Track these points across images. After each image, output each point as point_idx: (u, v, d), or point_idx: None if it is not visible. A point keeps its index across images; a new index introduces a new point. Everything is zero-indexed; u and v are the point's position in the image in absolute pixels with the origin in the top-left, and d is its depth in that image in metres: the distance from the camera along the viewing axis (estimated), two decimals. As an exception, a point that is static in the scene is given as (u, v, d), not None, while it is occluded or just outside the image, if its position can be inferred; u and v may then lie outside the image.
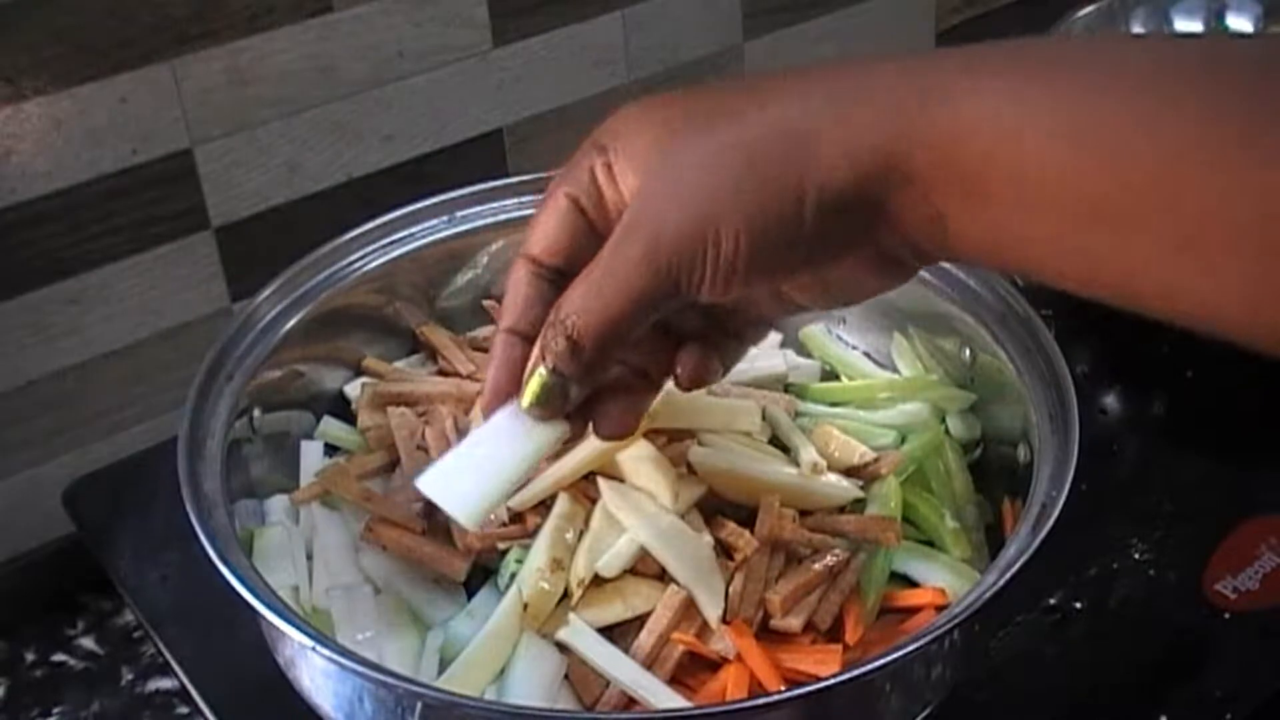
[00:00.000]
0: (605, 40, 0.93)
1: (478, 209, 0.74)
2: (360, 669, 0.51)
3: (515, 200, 0.74)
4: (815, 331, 0.77)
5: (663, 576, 0.60)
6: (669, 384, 0.56)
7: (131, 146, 0.75)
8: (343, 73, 0.82)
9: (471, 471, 0.52)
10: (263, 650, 0.59)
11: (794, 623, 0.59)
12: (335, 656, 0.51)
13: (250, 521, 0.66)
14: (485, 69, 0.88)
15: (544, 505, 0.62)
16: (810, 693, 0.51)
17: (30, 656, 0.75)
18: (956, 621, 0.52)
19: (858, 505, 0.65)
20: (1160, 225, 0.39)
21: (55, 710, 0.72)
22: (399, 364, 0.75)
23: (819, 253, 0.46)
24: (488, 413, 0.52)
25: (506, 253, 0.76)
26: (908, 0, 1.10)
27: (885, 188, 0.43)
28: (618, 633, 0.59)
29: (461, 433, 0.66)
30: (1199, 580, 0.69)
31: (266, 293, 0.68)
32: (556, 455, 0.64)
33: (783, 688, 0.56)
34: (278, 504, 0.67)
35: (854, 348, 0.76)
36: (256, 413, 0.66)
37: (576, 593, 0.60)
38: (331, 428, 0.71)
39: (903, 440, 0.70)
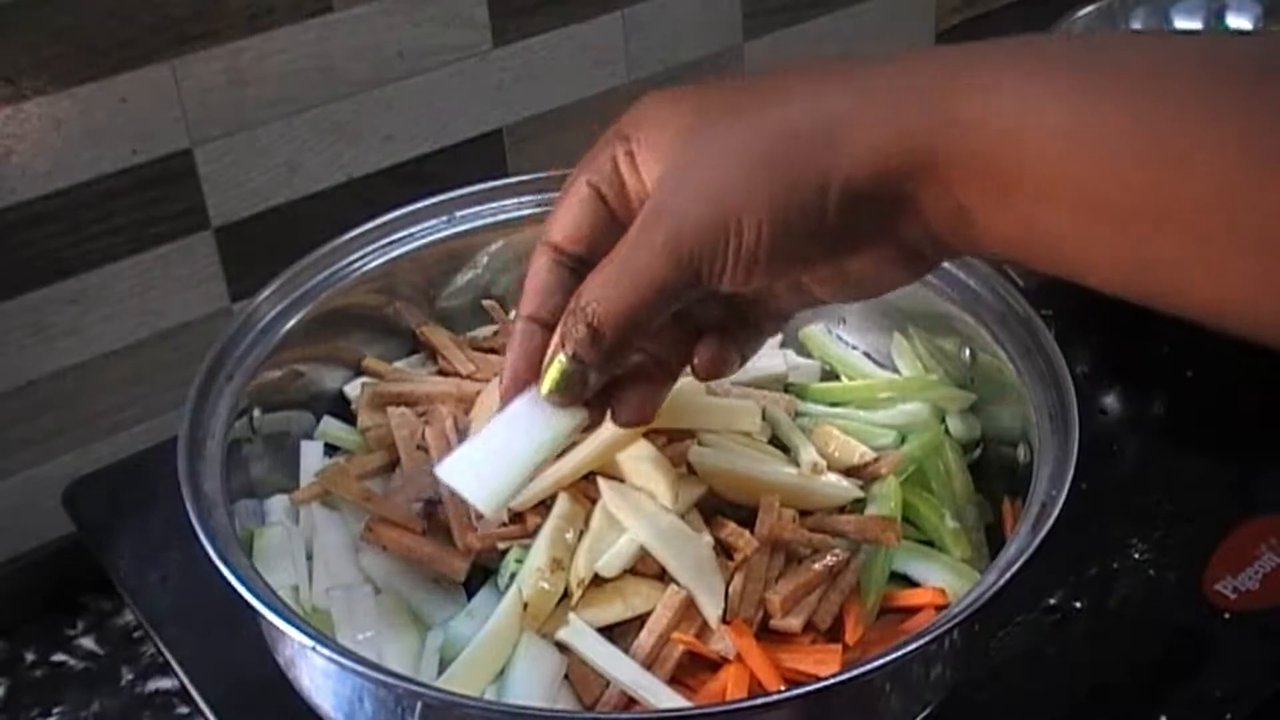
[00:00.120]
0: (605, 40, 0.93)
1: (478, 209, 0.74)
2: (360, 669, 0.51)
3: (515, 200, 0.74)
4: (815, 331, 0.77)
5: (663, 576, 0.60)
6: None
7: (131, 146, 0.75)
8: (343, 73, 0.82)
9: (491, 459, 0.52)
10: (263, 650, 0.59)
11: (794, 623, 0.59)
12: (335, 656, 0.51)
13: (250, 521, 0.66)
14: (485, 69, 0.88)
15: (544, 505, 0.62)
16: (810, 693, 0.51)
17: (30, 656, 0.75)
18: (956, 621, 0.52)
19: (858, 505, 0.65)
20: (1165, 225, 0.39)
21: (55, 710, 0.72)
22: (399, 364, 0.75)
23: (841, 245, 0.46)
24: (506, 400, 0.52)
25: (506, 253, 0.76)
26: (908, 0, 1.10)
27: (909, 180, 0.44)
28: (618, 633, 0.59)
29: (461, 433, 0.66)
30: (1199, 580, 0.69)
31: (266, 293, 0.68)
32: (557, 455, 0.64)
33: (783, 688, 0.56)
34: (278, 504, 0.67)
35: (854, 348, 0.76)
36: (256, 413, 0.66)
37: (576, 593, 0.60)
38: (331, 428, 0.71)
39: (903, 440, 0.70)
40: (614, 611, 0.60)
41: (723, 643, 0.58)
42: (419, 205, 0.73)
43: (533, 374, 0.51)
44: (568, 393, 0.50)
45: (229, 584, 0.53)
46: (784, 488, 0.63)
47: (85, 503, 0.74)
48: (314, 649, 0.51)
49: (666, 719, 0.57)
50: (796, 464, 0.66)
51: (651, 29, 0.94)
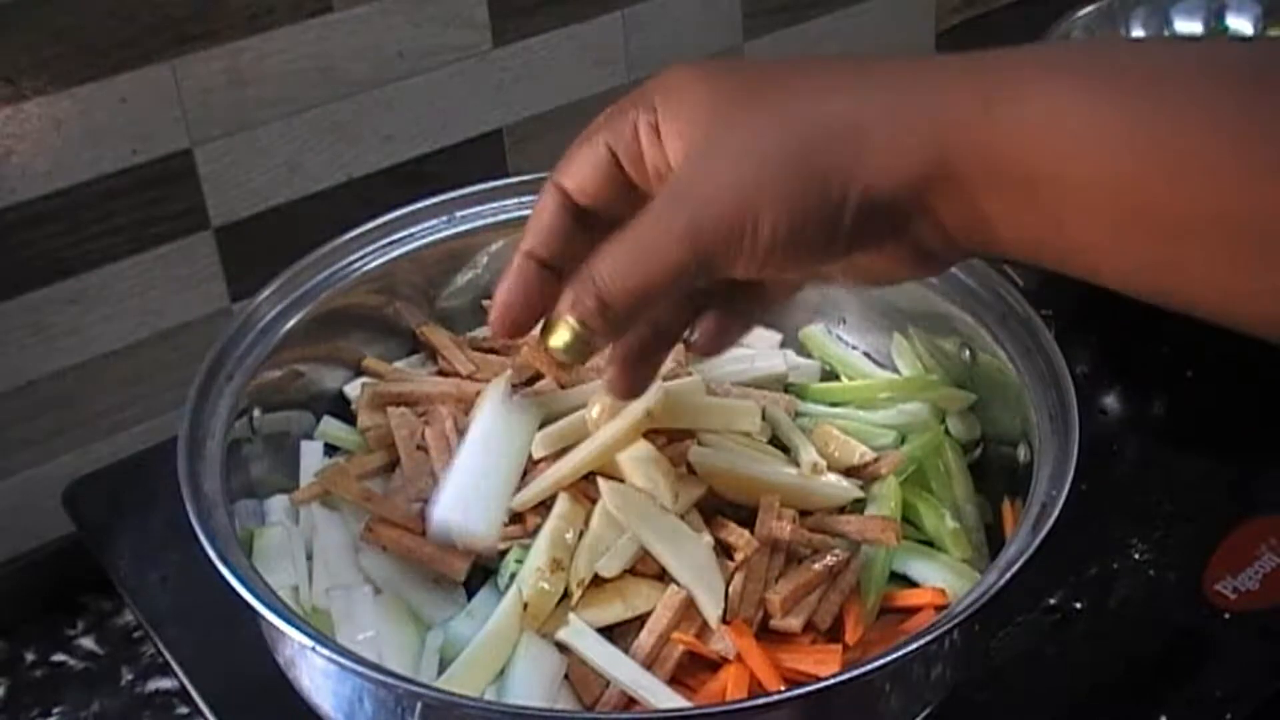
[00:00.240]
0: (605, 40, 0.93)
1: (478, 209, 0.74)
2: (360, 669, 0.51)
3: (515, 200, 0.74)
4: (815, 331, 0.77)
5: (663, 576, 0.60)
6: (668, 384, 0.56)
7: (131, 146, 0.75)
8: (343, 73, 0.82)
9: (473, 490, 0.56)
10: (263, 650, 0.59)
11: (794, 623, 0.59)
12: (335, 656, 0.51)
13: (250, 521, 0.65)
14: (485, 69, 0.88)
15: (544, 506, 0.62)
16: (810, 693, 0.51)
17: (30, 656, 0.75)
18: (956, 621, 0.52)
19: (858, 505, 0.65)
20: (1179, 233, 0.40)
21: (55, 710, 0.72)
22: (399, 364, 0.75)
23: (855, 245, 0.46)
24: (496, 328, 0.53)
25: (506, 253, 0.76)
26: (908, 0, 1.10)
27: (931, 191, 0.44)
28: (618, 633, 0.59)
29: (461, 432, 0.66)
30: (1199, 580, 0.69)
31: (266, 293, 0.68)
32: (557, 455, 0.64)
33: (783, 688, 0.56)
34: (278, 504, 0.67)
35: (854, 348, 0.76)
36: (256, 413, 0.66)
37: (576, 593, 0.60)
38: (331, 428, 0.71)
39: (903, 440, 0.70)
40: (614, 612, 0.60)
41: (723, 643, 0.58)
42: (419, 205, 0.73)
43: (526, 313, 0.52)
44: (571, 355, 0.50)
45: (229, 584, 0.53)
46: (784, 488, 0.63)
47: (85, 503, 0.74)
48: (314, 649, 0.51)
49: (666, 719, 0.57)
50: (796, 464, 0.66)
51: (651, 29, 0.94)
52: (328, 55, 0.81)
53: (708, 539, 0.61)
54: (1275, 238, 0.38)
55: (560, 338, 0.49)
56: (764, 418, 0.68)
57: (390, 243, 0.72)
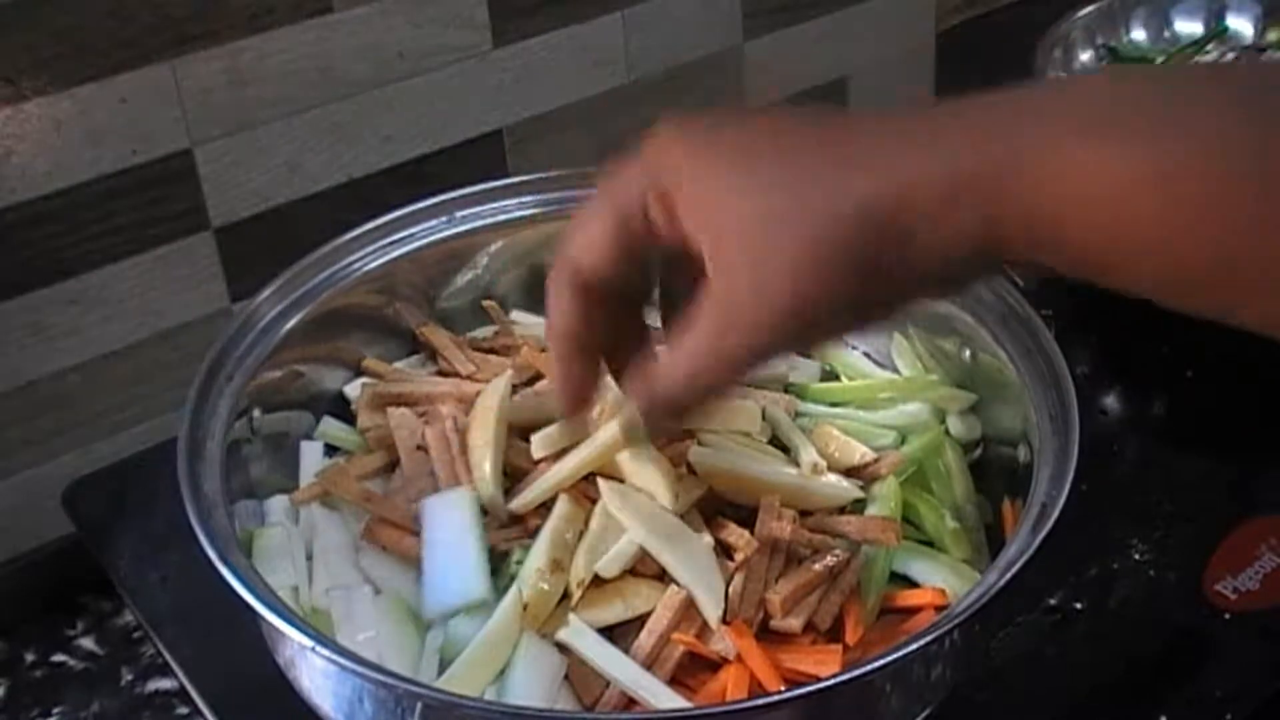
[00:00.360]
0: (605, 40, 0.93)
1: (478, 209, 0.74)
2: (360, 669, 0.51)
3: (515, 200, 0.74)
4: (815, 331, 0.77)
5: (663, 576, 0.60)
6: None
7: (131, 146, 0.75)
8: (343, 73, 0.82)
9: (452, 568, 0.60)
10: (263, 650, 0.59)
11: (794, 623, 0.59)
12: (335, 657, 0.51)
13: (250, 522, 0.65)
14: (485, 69, 0.88)
15: (544, 506, 0.62)
16: (810, 693, 0.51)
17: (30, 656, 0.75)
18: (957, 622, 0.52)
19: (858, 505, 0.65)
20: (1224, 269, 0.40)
21: (55, 710, 0.72)
22: (399, 364, 0.75)
23: (908, 307, 0.49)
24: (567, 414, 0.56)
25: (506, 253, 0.76)
26: (908, 0, 1.10)
27: (983, 256, 0.44)
28: (618, 633, 0.59)
29: (461, 431, 0.66)
30: (1199, 580, 0.69)
31: (266, 293, 0.67)
32: (557, 456, 0.64)
33: (783, 688, 0.56)
34: (278, 504, 0.67)
35: (854, 348, 0.76)
36: (256, 413, 0.66)
37: (576, 593, 0.60)
38: (331, 428, 0.71)
39: (903, 440, 0.70)
40: (614, 612, 0.59)
41: (723, 643, 0.58)
42: (419, 205, 0.73)
43: (583, 399, 0.55)
44: (635, 440, 0.53)
45: (229, 584, 0.53)
46: (784, 488, 0.63)
47: (85, 503, 0.74)
48: (314, 649, 0.51)
49: (667, 719, 0.57)
50: (796, 464, 0.66)
51: (651, 29, 0.94)
52: (328, 55, 0.81)
53: (708, 539, 0.61)
54: None
55: (621, 425, 0.53)
56: (764, 418, 0.68)
57: (390, 243, 0.72)
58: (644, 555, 0.60)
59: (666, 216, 0.48)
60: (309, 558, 0.65)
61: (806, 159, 0.46)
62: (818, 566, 0.61)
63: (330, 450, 0.71)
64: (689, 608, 0.59)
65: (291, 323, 0.68)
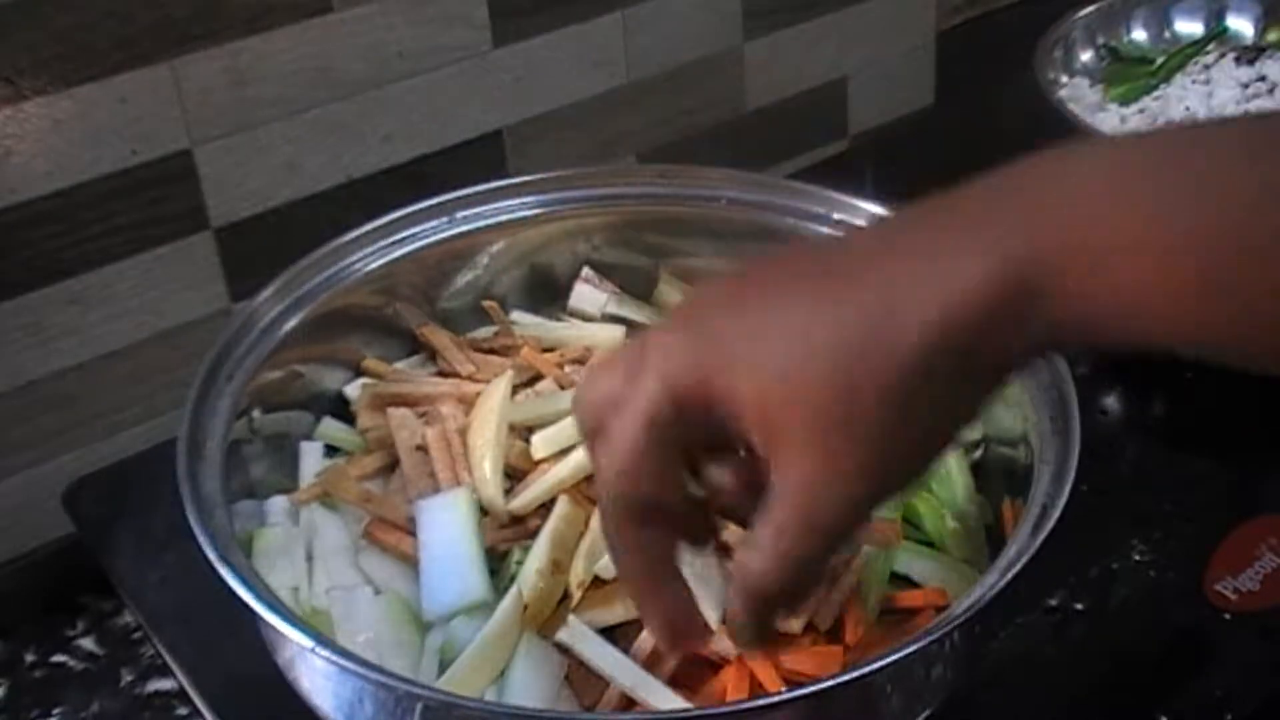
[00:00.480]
0: (605, 40, 0.93)
1: (478, 209, 0.74)
2: (360, 670, 0.51)
3: (515, 200, 0.74)
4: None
5: (663, 577, 0.60)
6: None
7: (131, 146, 0.75)
8: (343, 73, 0.82)
9: (450, 569, 0.60)
10: (263, 651, 0.59)
11: (794, 623, 0.59)
12: (335, 658, 0.51)
13: (250, 522, 0.65)
14: (485, 69, 0.88)
15: (544, 507, 0.62)
16: (810, 693, 0.50)
17: (30, 657, 0.75)
18: (957, 623, 0.52)
19: (858, 506, 0.65)
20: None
21: (55, 711, 0.72)
22: (399, 364, 0.75)
23: None
24: (667, 648, 0.53)
25: (507, 253, 0.76)
26: (908, 0, 1.10)
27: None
28: (618, 633, 0.59)
29: (461, 431, 0.66)
30: (1199, 580, 0.69)
31: (266, 293, 0.67)
32: (557, 456, 0.64)
33: (783, 688, 0.56)
34: (278, 504, 0.67)
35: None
36: (256, 413, 0.66)
37: (576, 594, 0.60)
38: (331, 428, 0.71)
39: (903, 440, 0.70)
40: (614, 613, 0.59)
41: (723, 643, 0.58)
42: (419, 206, 0.73)
43: (682, 630, 0.49)
44: (750, 643, 0.48)
45: (229, 585, 0.53)
46: (784, 488, 0.63)
47: (85, 503, 0.74)
48: (314, 650, 0.51)
49: (666, 719, 0.57)
50: (797, 464, 0.66)
51: (651, 29, 0.94)
52: (328, 55, 0.81)
53: (708, 539, 0.61)
54: None
55: (742, 638, 0.48)
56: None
57: (390, 243, 0.72)
58: (644, 555, 0.60)
59: (703, 413, 0.44)
60: (309, 558, 0.65)
61: (831, 307, 0.42)
62: (818, 567, 0.61)
63: (330, 450, 0.70)
64: (689, 608, 0.59)
65: (291, 323, 0.68)
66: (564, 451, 0.64)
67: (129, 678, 0.74)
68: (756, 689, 0.57)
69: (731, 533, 0.61)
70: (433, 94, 0.86)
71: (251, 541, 0.64)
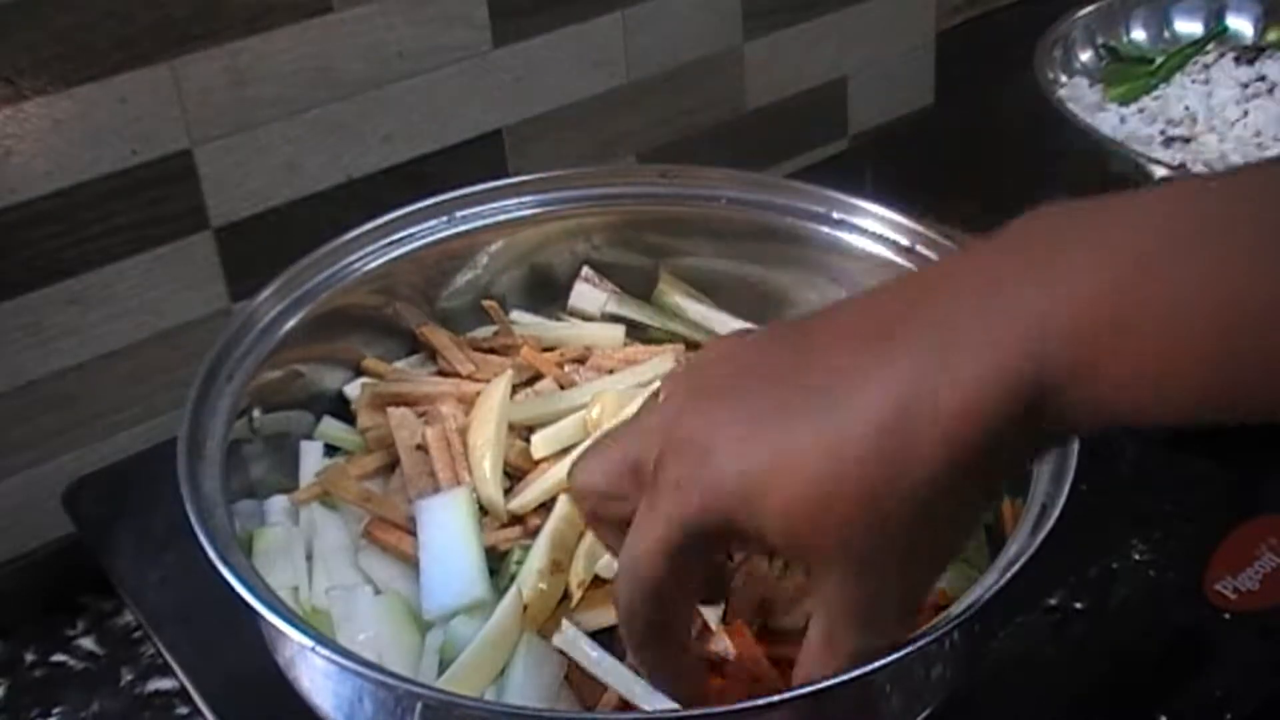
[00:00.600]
0: (605, 40, 0.93)
1: (478, 209, 0.74)
2: (360, 669, 0.51)
3: (515, 200, 0.74)
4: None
5: (663, 577, 0.60)
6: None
7: (131, 146, 0.75)
8: (343, 73, 0.82)
9: (450, 569, 0.60)
10: (263, 650, 0.59)
11: (794, 623, 0.59)
12: (335, 657, 0.51)
13: (250, 522, 0.65)
14: (485, 69, 0.88)
15: (544, 507, 0.62)
16: (810, 693, 0.50)
17: (30, 657, 0.75)
18: (957, 622, 0.52)
19: (858, 505, 0.65)
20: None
21: (55, 710, 0.72)
22: (399, 364, 0.75)
23: None
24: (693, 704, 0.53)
25: (506, 253, 0.76)
26: (908, 0, 1.10)
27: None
28: (619, 634, 0.59)
29: (461, 431, 0.66)
30: (1199, 580, 0.69)
31: (266, 293, 0.67)
32: (557, 456, 0.64)
33: (783, 689, 0.56)
34: (278, 504, 0.67)
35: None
36: (256, 413, 0.66)
37: (576, 594, 0.60)
38: (331, 428, 0.71)
39: (903, 440, 0.70)
40: (614, 613, 0.59)
41: (722, 643, 0.58)
42: (419, 205, 0.73)
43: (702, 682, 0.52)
44: None
45: (229, 584, 0.53)
46: (784, 488, 0.63)
47: (85, 503, 0.74)
48: (314, 649, 0.51)
49: (666, 719, 0.57)
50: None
51: (651, 29, 0.94)
52: (328, 55, 0.81)
53: (708, 539, 0.61)
54: None
55: None
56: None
57: (390, 243, 0.72)
58: (644, 555, 0.60)
59: (724, 539, 0.45)
60: (309, 558, 0.65)
61: (841, 424, 0.42)
62: (818, 566, 0.61)
63: (330, 450, 0.70)
64: (689, 608, 0.59)
65: (291, 323, 0.68)
66: (564, 451, 0.64)
67: (129, 677, 0.74)
68: (756, 689, 0.57)
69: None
70: (433, 94, 0.86)
71: (251, 541, 0.64)
